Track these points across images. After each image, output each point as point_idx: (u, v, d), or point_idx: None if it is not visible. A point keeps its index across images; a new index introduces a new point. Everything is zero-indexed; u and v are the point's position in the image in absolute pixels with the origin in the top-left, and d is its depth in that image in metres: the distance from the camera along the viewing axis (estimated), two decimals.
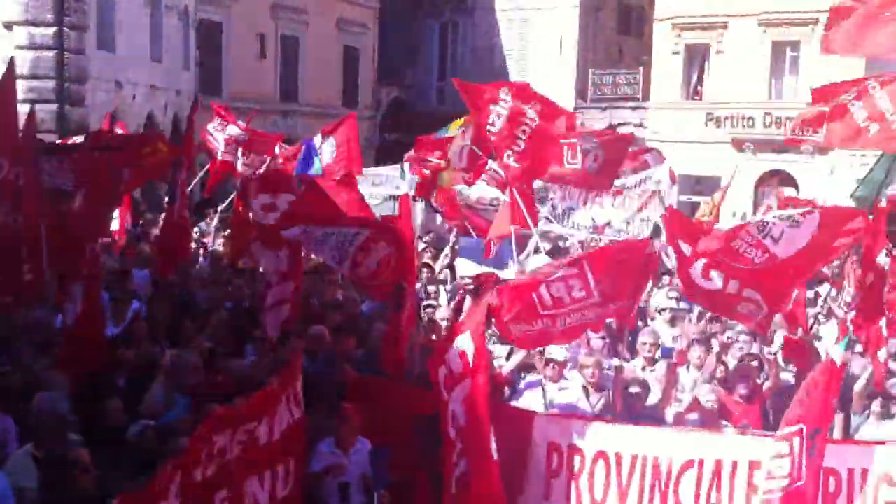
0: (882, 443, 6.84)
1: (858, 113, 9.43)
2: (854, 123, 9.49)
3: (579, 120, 32.43)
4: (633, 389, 7.88)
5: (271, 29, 30.64)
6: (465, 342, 6.32)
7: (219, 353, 8.63)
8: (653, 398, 8.07)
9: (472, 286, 9.95)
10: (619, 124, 32.71)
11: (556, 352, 8.16)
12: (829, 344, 10.34)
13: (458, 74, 35.75)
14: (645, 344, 9.24)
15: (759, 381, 8.58)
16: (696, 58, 31.25)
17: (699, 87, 31.56)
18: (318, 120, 29.03)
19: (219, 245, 14.20)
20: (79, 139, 12.35)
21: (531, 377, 8.31)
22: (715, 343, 9.70)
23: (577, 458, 6.91)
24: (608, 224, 12.14)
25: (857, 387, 8.23)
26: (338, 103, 32.66)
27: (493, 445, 6.20)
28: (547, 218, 12.84)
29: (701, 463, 6.71)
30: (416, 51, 36.47)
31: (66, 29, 19.22)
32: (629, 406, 7.82)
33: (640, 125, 31.63)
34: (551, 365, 8.14)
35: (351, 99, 33.60)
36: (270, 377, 6.06)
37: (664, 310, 11.24)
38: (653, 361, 9.08)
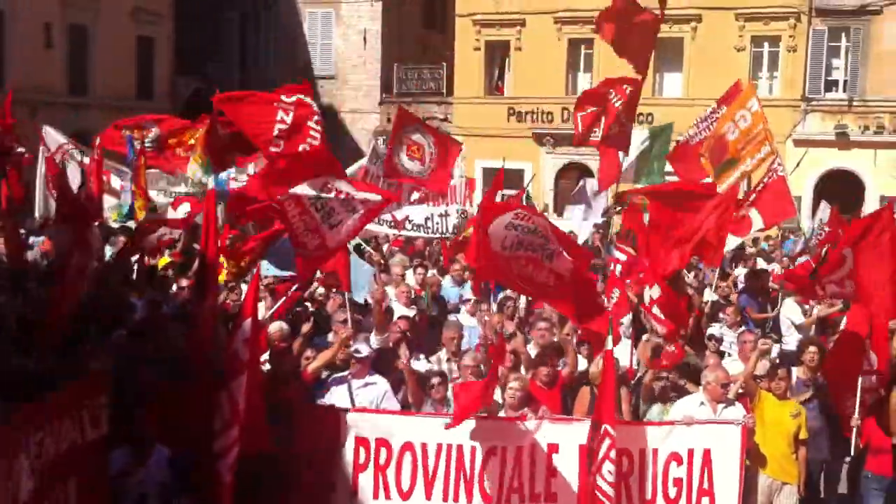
0: (671, 423, 7.22)
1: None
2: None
3: (385, 115, 32.80)
4: (434, 381, 7.96)
5: (58, 17, 28.90)
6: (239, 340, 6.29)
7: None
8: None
9: (272, 286, 9.75)
10: (425, 119, 33.02)
11: (362, 348, 8.11)
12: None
13: (260, 67, 35.10)
14: (450, 337, 9.39)
15: (558, 368, 8.82)
16: (496, 54, 32.01)
17: (500, 83, 32.35)
18: (111, 113, 27.69)
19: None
20: None
21: (337, 374, 8.20)
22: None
23: (383, 451, 6.93)
24: (407, 219, 12.19)
25: (647, 377, 8.62)
26: (132, 95, 31.28)
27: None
28: None
29: (504, 449, 6.87)
30: (217, 42, 35.44)
31: None
32: (431, 398, 7.90)
33: (446, 119, 32.07)
34: (356, 361, 8.07)
35: (146, 91, 32.23)
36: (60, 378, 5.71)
37: (467, 300, 11.51)
38: (457, 353, 9.18)
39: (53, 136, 15.11)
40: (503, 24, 31.07)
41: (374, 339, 9.07)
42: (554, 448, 6.92)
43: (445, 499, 6.91)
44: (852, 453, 8.60)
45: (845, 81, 27.94)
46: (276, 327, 8.79)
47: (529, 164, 29.98)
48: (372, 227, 11.67)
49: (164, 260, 13.06)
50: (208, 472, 6.44)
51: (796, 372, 9.17)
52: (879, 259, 8.12)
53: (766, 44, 28.57)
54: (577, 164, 29.61)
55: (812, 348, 9.22)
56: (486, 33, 31.49)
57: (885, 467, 8.49)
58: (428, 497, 6.96)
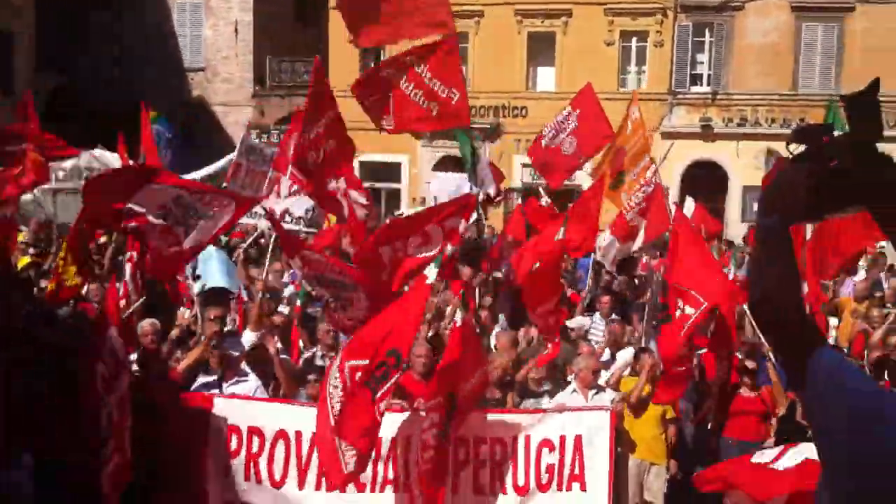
0: (542, 410, 7.31)
1: (414, 94, 8.89)
2: (415, 105, 8.95)
3: (259, 108, 32.29)
4: (311, 377, 7.90)
5: None
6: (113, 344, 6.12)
7: None
8: None
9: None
10: (300, 111, 32.63)
11: (232, 347, 7.97)
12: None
13: (129, 61, 34.00)
14: (326, 331, 9.33)
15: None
16: (370, 47, 31.82)
17: None
18: None
19: None
20: None
21: (207, 377, 8.03)
22: None
23: (255, 439, 6.83)
24: (287, 212, 11.94)
25: (534, 373, 8.77)
26: None
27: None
28: None
29: (378, 440, 6.83)
30: (84, 36, 34.10)
31: None
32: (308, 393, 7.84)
33: None
34: (227, 360, 7.92)
35: (5, 86, 30.75)
36: None
37: None
38: (333, 347, 9.13)
39: None
40: None
41: (250, 335, 8.91)
42: None
43: (318, 488, 6.84)
44: (708, 424, 8.94)
45: (709, 75, 28.96)
46: (148, 324, 8.53)
47: (406, 156, 30.10)
48: (244, 219, 11.48)
49: (24, 260, 12.51)
50: (84, 483, 6.20)
51: None
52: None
53: (634, 39, 29.32)
54: (454, 157, 29.78)
55: None
56: None
57: (743, 432, 8.85)
58: (301, 487, 6.88)
